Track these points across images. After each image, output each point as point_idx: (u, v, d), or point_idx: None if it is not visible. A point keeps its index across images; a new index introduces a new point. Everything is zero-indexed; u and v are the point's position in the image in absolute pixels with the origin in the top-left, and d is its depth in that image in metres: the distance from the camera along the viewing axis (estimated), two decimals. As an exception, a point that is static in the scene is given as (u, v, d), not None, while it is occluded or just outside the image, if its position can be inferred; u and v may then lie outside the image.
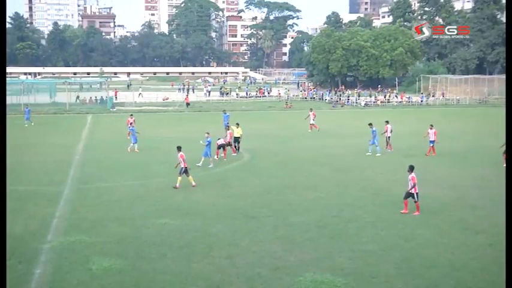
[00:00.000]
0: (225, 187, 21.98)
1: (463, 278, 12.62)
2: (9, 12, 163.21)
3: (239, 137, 30.10)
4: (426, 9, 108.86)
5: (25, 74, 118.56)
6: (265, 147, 32.73)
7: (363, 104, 66.67)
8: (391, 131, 31.36)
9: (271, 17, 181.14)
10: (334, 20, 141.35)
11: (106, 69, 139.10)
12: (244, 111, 56.40)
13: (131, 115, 37.06)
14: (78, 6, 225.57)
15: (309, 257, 13.91)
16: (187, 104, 61.68)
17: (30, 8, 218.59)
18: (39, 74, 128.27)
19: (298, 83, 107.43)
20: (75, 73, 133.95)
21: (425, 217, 17.41)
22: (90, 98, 66.42)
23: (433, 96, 74.31)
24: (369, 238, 15.38)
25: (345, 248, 14.56)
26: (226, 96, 77.69)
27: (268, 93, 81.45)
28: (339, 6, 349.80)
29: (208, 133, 26.23)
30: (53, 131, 41.19)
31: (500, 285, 11.33)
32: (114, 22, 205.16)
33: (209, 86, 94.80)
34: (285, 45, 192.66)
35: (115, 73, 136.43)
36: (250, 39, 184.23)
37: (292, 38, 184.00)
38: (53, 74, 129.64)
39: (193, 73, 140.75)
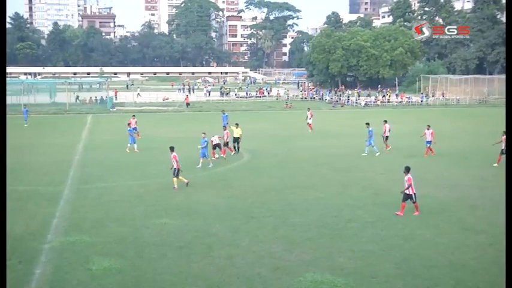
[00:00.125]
0: (225, 187, 21.97)
1: (463, 278, 12.62)
2: (9, 12, 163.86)
3: (239, 137, 29.97)
4: (426, 9, 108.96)
5: (25, 74, 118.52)
6: (265, 147, 32.73)
7: (363, 104, 66.66)
8: (389, 130, 31.40)
9: (271, 17, 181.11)
10: (334, 20, 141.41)
11: (106, 69, 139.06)
12: (244, 111, 56.42)
13: (133, 116, 37.04)
14: (78, 6, 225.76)
15: (309, 257, 13.91)
16: (187, 104, 61.65)
17: (30, 8, 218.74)
18: (39, 74, 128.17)
19: (298, 83, 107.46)
20: (75, 73, 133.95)
21: (425, 217, 17.41)
22: (90, 98, 66.47)
23: (433, 96, 74.30)
24: (368, 238, 15.39)
25: (345, 248, 14.56)
26: (226, 96, 77.74)
27: (268, 93, 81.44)
28: (339, 6, 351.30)
29: (204, 133, 26.14)
30: (53, 131, 41.19)
31: (500, 285, 11.34)
32: (114, 22, 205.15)
33: (209, 86, 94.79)
34: (285, 45, 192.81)
35: (115, 73, 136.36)
36: (250, 39, 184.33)
37: (292, 38, 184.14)
38: (53, 74, 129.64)
39: (193, 73, 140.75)
